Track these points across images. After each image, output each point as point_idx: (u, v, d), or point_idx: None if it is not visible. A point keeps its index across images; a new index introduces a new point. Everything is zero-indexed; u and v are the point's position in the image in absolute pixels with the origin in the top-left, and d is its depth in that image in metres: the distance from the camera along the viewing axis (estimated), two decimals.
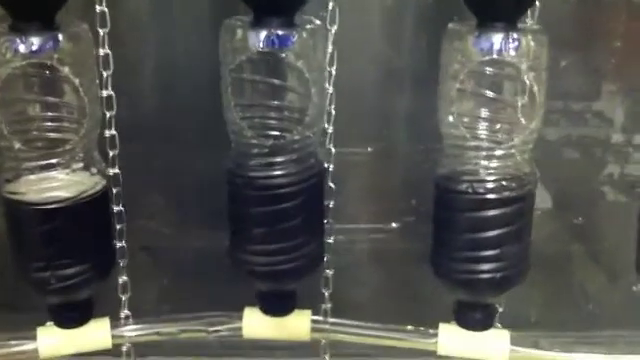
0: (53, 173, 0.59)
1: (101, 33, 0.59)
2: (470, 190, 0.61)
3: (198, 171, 0.79)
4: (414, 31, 0.79)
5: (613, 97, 0.83)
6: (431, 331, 0.67)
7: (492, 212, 0.61)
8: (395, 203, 0.84)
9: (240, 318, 0.68)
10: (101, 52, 0.60)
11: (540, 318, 0.84)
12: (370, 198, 0.85)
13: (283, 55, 0.58)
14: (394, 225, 0.84)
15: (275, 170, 0.61)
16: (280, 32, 0.57)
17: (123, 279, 0.67)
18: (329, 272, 0.68)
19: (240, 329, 0.68)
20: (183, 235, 0.83)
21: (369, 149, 0.83)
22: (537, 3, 0.60)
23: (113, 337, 0.67)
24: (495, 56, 0.58)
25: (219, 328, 0.68)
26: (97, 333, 0.66)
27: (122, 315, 0.68)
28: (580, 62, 0.80)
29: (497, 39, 0.58)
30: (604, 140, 0.84)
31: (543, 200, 0.81)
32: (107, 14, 0.59)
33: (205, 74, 0.69)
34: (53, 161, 0.59)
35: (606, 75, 0.82)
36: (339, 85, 0.63)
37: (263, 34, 0.57)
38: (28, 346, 0.66)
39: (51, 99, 0.58)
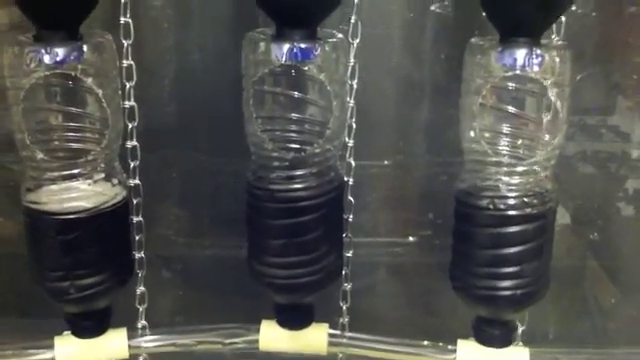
0: (75, 183, 0.59)
1: (125, 44, 0.59)
2: (491, 206, 0.61)
3: (214, 180, 0.79)
4: (432, 44, 0.79)
5: (629, 112, 0.83)
6: (450, 347, 0.67)
7: (513, 229, 0.61)
8: (412, 216, 0.84)
9: (257, 331, 0.68)
10: (125, 63, 0.60)
11: (558, 334, 0.83)
12: (387, 211, 0.85)
13: (305, 68, 0.57)
14: (411, 239, 0.84)
15: (295, 183, 0.61)
16: (303, 45, 0.57)
17: (141, 290, 0.67)
18: (347, 285, 0.68)
19: (257, 342, 0.68)
20: (198, 244, 0.83)
21: (385, 162, 0.83)
22: (563, 19, 0.60)
23: (130, 347, 0.67)
24: (518, 72, 0.58)
25: (236, 340, 0.68)
26: (114, 343, 0.66)
27: (139, 325, 0.68)
28: (598, 76, 0.80)
29: (520, 55, 0.57)
30: (620, 155, 0.84)
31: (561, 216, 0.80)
32: (131, 25, 0.59)
33: (224, 85, 0.70)
34: (75, 171, 0.59)
35: (624, 90, 0.82)
36: (357, 97, 0.63)
37: (286, 47, 0.57)
38: (45, 355, 0.66)
39: (74, 110, 0.58)
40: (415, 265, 0.83)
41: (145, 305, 0.68)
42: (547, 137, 0.60)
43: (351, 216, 0.66)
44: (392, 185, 0.84)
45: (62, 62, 0.56)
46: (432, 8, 0.75)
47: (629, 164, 0.84)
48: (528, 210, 0.60)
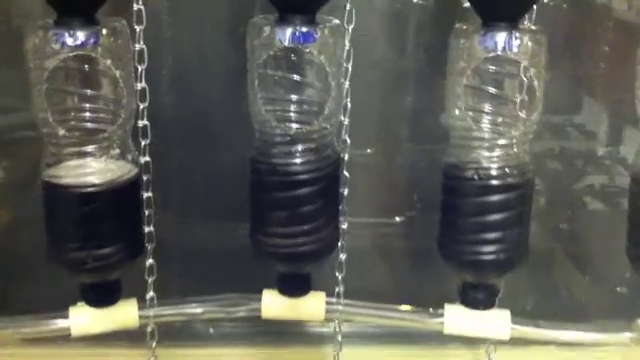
0: (91, 159, 0.63)
1: (137, 29, 0.64)
2: (475, 177, 0.66)
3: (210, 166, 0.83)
4: (414, 34, 0.84)
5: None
6: (438, 311, 0.72)
7: (495, 197, 0.66)
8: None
9: (259, 300, 0.72)
10: (137, 47, 0.65)
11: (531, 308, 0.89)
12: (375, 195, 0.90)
13: (307, 51, 0.63)
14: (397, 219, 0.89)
15: (296, 158, 0.66)
16: (304, 29, 0.62)
17: (150, 262, 0.71)
18: (342, 256, 0.73)
19: (259, 310, 0.73)
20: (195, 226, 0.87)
21: (369, 150, 0.88)
22: (534, 6, 0.66)
23: (140, 317, 0.72)
24: (499, 53, 0.64)
25: (239, 309, 0.73)
26: (125, 313, 0.71)
27: (148, 296, 0.72)
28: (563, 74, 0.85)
29: (501, 37, 0.63)
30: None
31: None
32: (143, 12, 0.64)
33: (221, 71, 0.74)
34: (92, 148, 0.63)
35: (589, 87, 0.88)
36: None
37: (289, 31, 0.62)
38: (60, 324, 0.70)
39: (92, 90, 0.63)
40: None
41: (154, 277, 0.72)
42: (525, 114, 0.66)
43: (346, 190, 0.71)
44: (378, 170, 0.90)
45: (83, 45, 0.60)
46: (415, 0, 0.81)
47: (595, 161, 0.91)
48: (509, 180, 0.66)
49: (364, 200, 0.87)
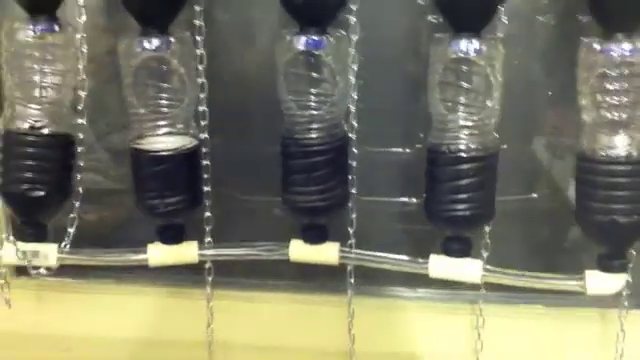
0: (164, 131, 0.88)
1: (198, 39, 0.88)
2: (447, 151, 0.87)
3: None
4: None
5: None
6: (424, 260, 0.92)
7: (464, 166, 0.86)
8: None
9: (287, 247, 0.93)
10: (198, 52, 0.89)
11: None
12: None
13: (317, 53, 0.85)
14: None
15: (312, 134, 0.87)
16: (316, 37, 0.85)
17: (207, 214, 0.95)
18: (353, 216, 0.94)
19: (287, 254, 0.94)
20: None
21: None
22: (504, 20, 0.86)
23: (199, 255, 0.95)
24: (462, 55, 0.84)
25: (274, 253, 0.95)
26: (189, 250, 0.94)
27: (206, 240, 0.96)
28: None
29: (464, 43, 0.84)
30: None
31: None
32: (203, 27, 0.88)
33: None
34: (164, 122, 0.88)
35: None
36: None
37: (304, 39, 0.85)
38: (141, 256, 0.94)
39: (164, 82, 0.88)
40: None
41: (211, 226, 0.95)
42: (486, 102, 0.86)
43: (354, 163, 0.92)
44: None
45: (157, 49, 0.85)
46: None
47: None
48: (473, 154, 0.86)
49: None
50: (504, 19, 0.86)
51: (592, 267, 0.89)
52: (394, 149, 1.01)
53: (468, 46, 0.83)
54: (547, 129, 0.99)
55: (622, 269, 0.87)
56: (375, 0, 0.89)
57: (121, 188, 1.01)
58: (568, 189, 0.98)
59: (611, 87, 0.82)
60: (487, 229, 0.92)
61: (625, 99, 0.82)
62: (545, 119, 0.99)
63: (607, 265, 0.87)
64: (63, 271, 0.97)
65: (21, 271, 1.01)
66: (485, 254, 0.92)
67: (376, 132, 0.96)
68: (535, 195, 1.01)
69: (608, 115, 0.83)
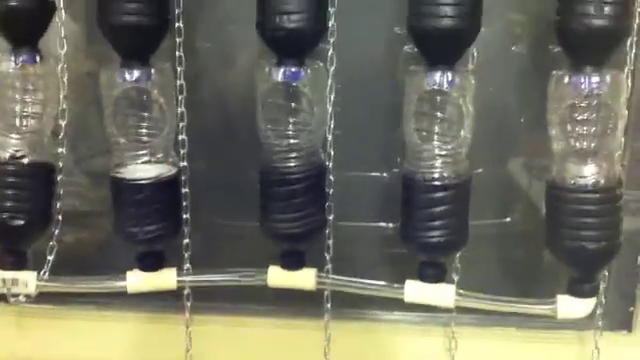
0: (143, 160, 0.89)
1: (178, 70, 0.90)
2: (423, 179, 0.89)
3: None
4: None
5: None
6: (400, 285, 0.94)
7: (438, 194, 0.88)
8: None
9: (266, 272, 0.95)
10: (178, 83, 0.91)
11: None
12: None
13: (295, 84, 0.87)
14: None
15: (291, 162, 0.89)
16: (294, 69, 0.87)
17: (186, 241, 0.96)
18: (330, 241, 0.96)
19: (265, 280, 0.96)
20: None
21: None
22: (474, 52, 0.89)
23: (178, 282, 0.96)
24: (436, 87, 0.86)
25: (252, 279, 0.96)
26: (167, 277, 0.95)
27: (185, 267, 0.97)
28: None
29: (438, 75, 0.86)
30: None
31: None
32: (183, 57, 0.90)
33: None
34: (144, 152, 0.89)
35: None
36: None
37: (282, 70, 0.87)
38: (119, 283, 0.95)
39: (144, 112, 0.89)
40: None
41: (189, 252, 0.96)
42: (460, 132, 0.88)
43: (331, 190, 0.94)
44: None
45: (138, 80, 0.87)
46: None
47: None
48: (446, 182, 0.88)
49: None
50: (475, 52, 0.89)
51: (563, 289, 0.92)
52: (372, 173, 1.03)
53: (442, 79, 0.86)
54: (524, 150, 1.02)
55: (592, 294, 0.90)
56: (351, 29, 0.91)
57: (98, 210, 1.02)
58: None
59: (579, 117, 0.84)
60: (457, 254, 0.94)
61: (593, 129, 0.85)
62: (520, 142, 1.02)
63: (577, 290, 0.90)
64: (42, 298, 0.98)
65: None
66: (456, 278, 0.94)
67: (354, 157, 0.98)
68: (508, 219, 1.04)
69: (577, 144, 0.85)
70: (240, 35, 0.96)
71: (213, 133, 1.00)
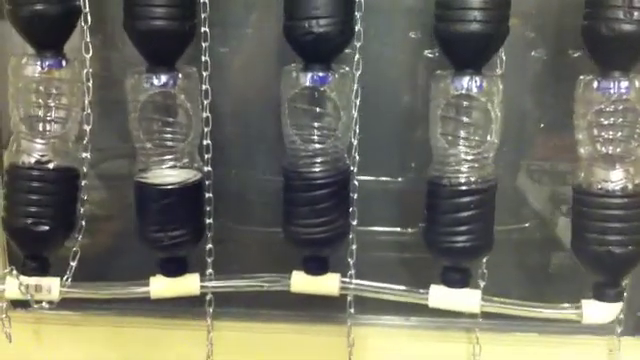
0: (169, 165, 0.89)
1: (204, 74, 0.90)
2: (449, 184, 0.89)
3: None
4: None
5: None
6: (425, 290, 0.94)
7: (464, 199, 0.88)
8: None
9: (289, 278, 0.95)
10: (203, 87, 0.90)
11: None
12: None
13: (322, 89, 0.87)
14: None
15: (316, 167, 0.89)
16: (321, 74, 0.86)
17: (209, 246, 0.96)
18: (354, 247, 0.96)
19: (289, 285, 0.95)
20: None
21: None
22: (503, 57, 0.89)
23: (201, 287, 0.96)
24: (464, 92, 0.86)
25: (275, 284, 0.96)
26: (190, 282, 0.95)
27: (207, 272, 0.96)
28: None
29: (466, 80, 0.86)
30: None
31: None
32: (209, 63, 0.89)
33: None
34: (169, 157, 0.88)
35: None
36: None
37: (310, 75, 0.86)
38: (143, 289, 0.94)
39: (171, 117, 0.88)
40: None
41: (212, 258, 0.96)
42: (486, 137, 0.88)
43: (356, 195, 0.94)
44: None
45: (165, 85, 0.87)
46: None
47: None
48: (473, 186, 0.88)
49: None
50: (503, 57, 0.89)
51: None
52: (386, 178, 1.03)
53: (470, 83, 0.85)
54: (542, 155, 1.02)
55: (617, 298, 0.90)
56: (366, 35, 0.90)
57: (105, 214, 1.03)
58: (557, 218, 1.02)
59: (607, 122, 0.85)
60: (484, 259, 0.94)
61: (620, 134, 0.85)
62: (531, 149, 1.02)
63: (603, 294, 0.90)
64: (61, 303, 0.96)
65: (17, 304, 1.00)
66: (482, 284, 0.94)
67: (370, 162, 0.97)
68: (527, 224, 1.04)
69: (604, 149, 0.85)
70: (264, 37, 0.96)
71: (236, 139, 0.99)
